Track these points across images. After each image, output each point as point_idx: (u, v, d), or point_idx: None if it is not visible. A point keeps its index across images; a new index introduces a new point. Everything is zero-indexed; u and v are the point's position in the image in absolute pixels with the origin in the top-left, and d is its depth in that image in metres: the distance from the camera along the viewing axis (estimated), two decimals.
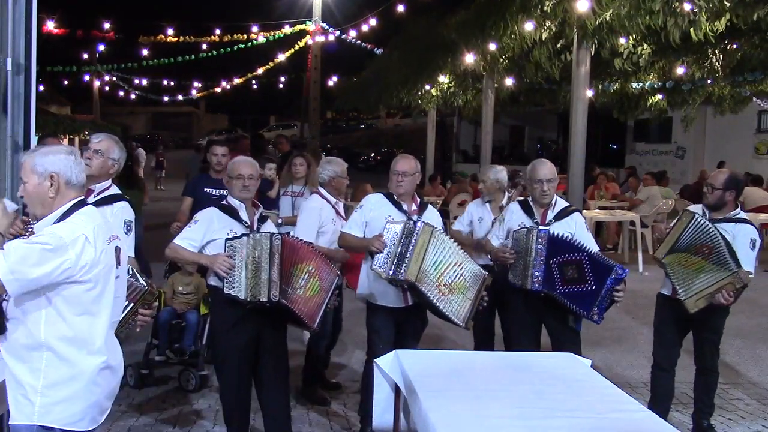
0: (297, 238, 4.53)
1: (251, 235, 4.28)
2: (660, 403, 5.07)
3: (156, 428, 5.08)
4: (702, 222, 4.72)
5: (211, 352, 5.70)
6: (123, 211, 4.39)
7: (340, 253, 5.28)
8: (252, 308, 4.26)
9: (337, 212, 5.59)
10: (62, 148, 3.04)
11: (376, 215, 4.77)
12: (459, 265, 4.56)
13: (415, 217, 4.72)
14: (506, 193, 6.08)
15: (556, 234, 4.76)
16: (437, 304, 4.51)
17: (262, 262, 4.18)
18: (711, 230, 4.67)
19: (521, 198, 5.49)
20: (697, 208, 5.05)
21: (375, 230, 4.69)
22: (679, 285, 4.74)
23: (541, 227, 4.84)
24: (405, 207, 4.81)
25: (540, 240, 4.74)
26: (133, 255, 4.32)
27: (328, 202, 5.60)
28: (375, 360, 3.92)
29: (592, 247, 4.84)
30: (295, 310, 4.25)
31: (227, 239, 4.30)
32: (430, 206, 5.03)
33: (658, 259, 4.86)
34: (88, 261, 2.83)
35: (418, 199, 4.95)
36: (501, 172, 6.08)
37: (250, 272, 4.19)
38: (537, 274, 4.74)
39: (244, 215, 4.45)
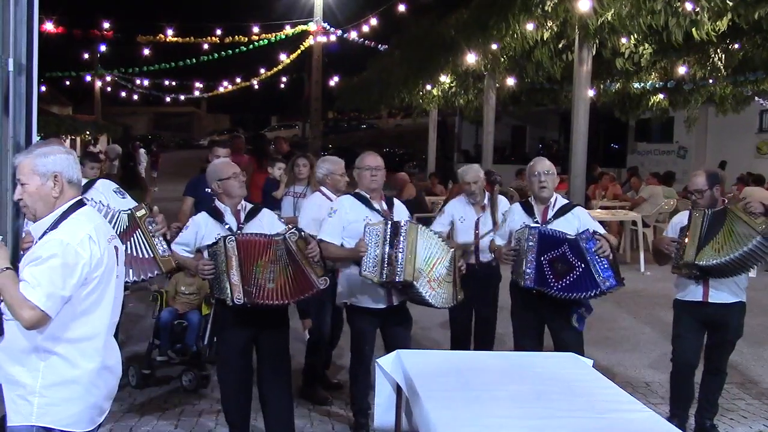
0: (253, 233, 4.35)
1: (219, 240, 4.24)
2: (683, 405, 5.10)
3: (157, 428, 5.08)
4: (710, 213, 4.75)
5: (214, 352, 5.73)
6: (106, 184, 4.75)
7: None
8: (247, 308, 4.24)
9: None
10: (60, 148, 3.01)
11: (353, 218, 4.75)
12: (444, 259, 4.57)
13: (397, 218, 4.75)
14: (485, 192, 6.06)
15: (546, 230, 4.77)
16: (430, 301, 4.53)
17: (222, 267, 4.17)
18: (719, 212, 4.72)
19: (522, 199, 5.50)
20: (685, 215, 5.01)
21: (354, 234, 4.67)
22: (736, 253, 4.56)
23: (532, 225, 4.84)
24: (376, 206, 4.82)
25: (531, 237, 4.74)
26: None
27: (329, 199, 5.61)
28: (377, 360, 3.93)
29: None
30: (273, 305, 4.20)
31: (208, 246, 4.31)
32: (396, 201, 5.07)
33: (691, 264, 4.73)
34: (95, 258, 2.84)
35: (385, 196, 4.97)
36: (482, 171, 6.09)
37: (221, 277, 4.19)
38: (528, 271, 4.72)
39: (229, 218, 4.45)
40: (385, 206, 4.86)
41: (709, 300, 4.88)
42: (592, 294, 4.69)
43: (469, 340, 6.01)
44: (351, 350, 5.04)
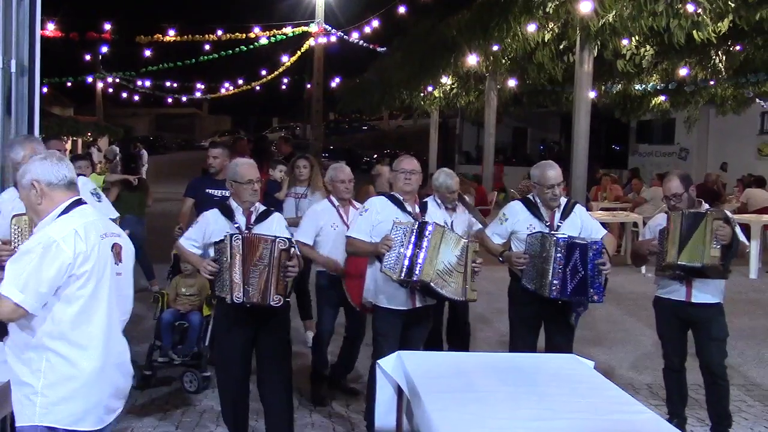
0: (258, 234, 4.40)
1: (226, 236, 4.30)
2: (678, 402, 5.12)
3: (159, 429, 5.09)
4: (687, 213, 4.79)
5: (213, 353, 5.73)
6: (85, 184, 4.78)
7: (333, 264, 5.36)
8: (245, 309, 4.28)
9: (341, 217, 5.62)
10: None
11: (382, 218, 4.75)
12: (455, 248, 4.55)
13: (426, 218, 4.74)
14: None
15: (571, 242, 4.74)
16: (443, 293, 4.52)
17: (226, 264, 4.24)
18: (698, 215, 4.74)
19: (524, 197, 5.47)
20: (662, 217, 5.03)
21: (382, 234, 4.66)
22: (698, 261, 4.68)
23: (559, 235, 4.79)
24: (409, 208, 4.82)
25: (559, 249, 4.69)
26: (117, 215, 4.96)
27: (333, 206, 5.67)
28: (377, 361, 3.92)
29: (599, 232, 4.95)
30: (259, 304, 4.23)
31: (215, 243, 4.36)
32: (430, 206, 5.08)
33: (674, 265, 4.75)
34: (80, 253, 2.86)
35: (418, 200, 4.98)
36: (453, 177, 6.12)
37: (225, 274, 4.25)
38: (555, 282, 4.70)
39: (239, 217, 4.50)
40: (418, 209, 4.88)
41: (692, 300, 4.88)
42: (582, 300, 4.76)
43: (442, 339, 6.07)
44: (373, 356, 4.92)
